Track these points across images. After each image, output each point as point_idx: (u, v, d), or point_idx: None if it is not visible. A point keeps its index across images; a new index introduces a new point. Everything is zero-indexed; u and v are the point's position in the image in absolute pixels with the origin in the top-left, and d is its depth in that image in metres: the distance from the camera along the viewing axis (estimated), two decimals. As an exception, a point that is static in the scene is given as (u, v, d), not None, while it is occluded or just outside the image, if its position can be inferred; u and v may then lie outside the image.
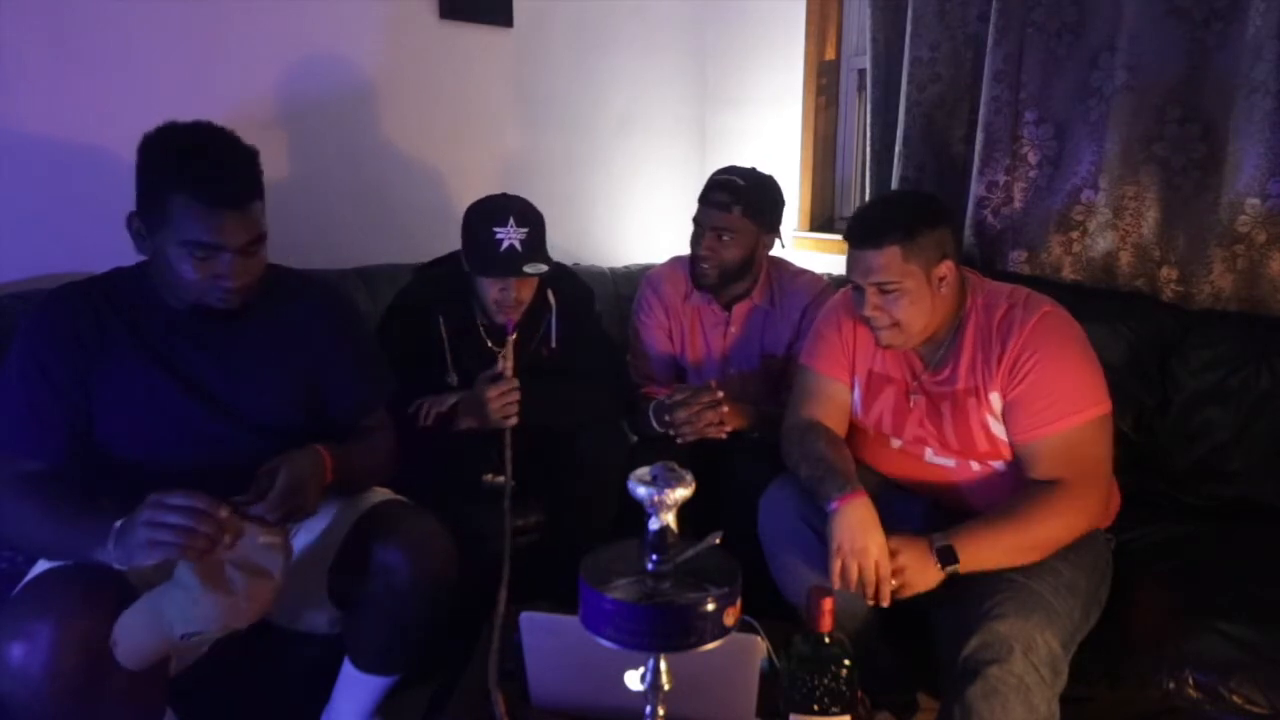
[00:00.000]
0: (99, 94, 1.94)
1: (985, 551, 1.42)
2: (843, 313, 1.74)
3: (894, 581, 1.41)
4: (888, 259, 1.51)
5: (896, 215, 1.54)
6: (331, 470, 1.41)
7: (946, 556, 1.41)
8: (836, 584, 1.43)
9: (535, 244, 1.83)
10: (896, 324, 1.54)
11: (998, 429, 1.55)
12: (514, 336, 1.85)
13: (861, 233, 1.55)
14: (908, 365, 1.65)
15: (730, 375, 2.14)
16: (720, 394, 1.87)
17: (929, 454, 1.64)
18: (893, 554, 1.41)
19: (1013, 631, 1.31)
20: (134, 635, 1.20)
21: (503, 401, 1.79)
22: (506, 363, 1.84)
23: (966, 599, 1.40)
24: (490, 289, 1.86)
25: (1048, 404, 1.48)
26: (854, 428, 1.75)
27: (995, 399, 1.54)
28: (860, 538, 1.44)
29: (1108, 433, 1.52)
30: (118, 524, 1.19)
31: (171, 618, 1.19)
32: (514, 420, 1.80)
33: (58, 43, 1.88)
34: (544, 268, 1.83)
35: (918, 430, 1.64)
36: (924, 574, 1.41)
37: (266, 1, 2.17)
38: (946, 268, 1.54)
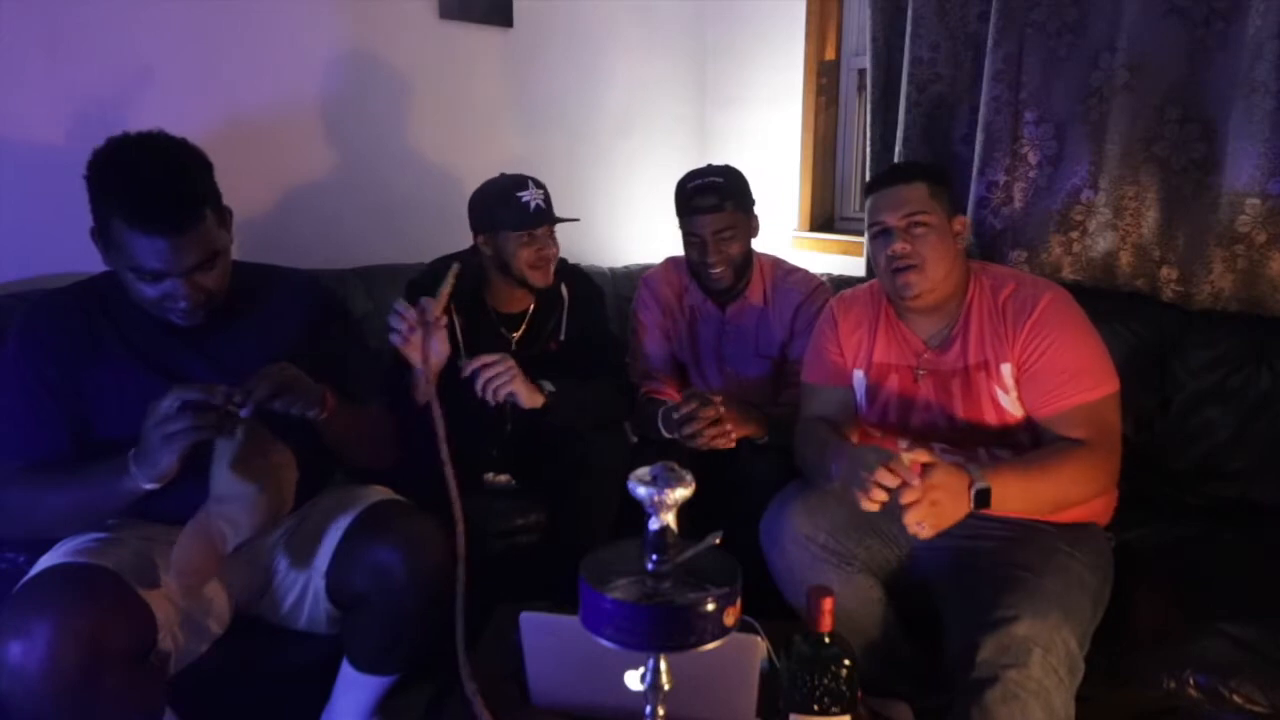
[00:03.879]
0: (98, 94, 1.94)
1: (1014, 499, 1.43)
2: (835, 315, 1.78)
3: (918, 503, 1.34)
4: (917, 192, 1.59)
5: (920, 164, 1.69)
6: (332, 400, 1.41)
7: (982, 499, 1.40)
8: (874, 504, 1.36)
9: (550, 203, 1.99)
10: (923, 264, 1.57)
11: (1006, 402, 1.58)
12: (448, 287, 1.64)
13: (891, 173, 1.67)
14: (910, 348, 1.68)
15: (728, 373, 2.14)
16: (721, 410, 1.83)
17: (937, 451, 1.62)
18: (928, 468, 1.37)
19: (1031, 633, 1.30)
20: (187, 552, 1.26)
21: (490, 378, 1.77)
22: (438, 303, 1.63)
23: (977, 597, 1.39)
24: (525, 252, 1.94)
25: (1068, 378, 1.52)
26: (862, 432, 1.75)
27: (1007, 371, 1.57)
28: (854, 463, 1.40)
29: (1119, 409, 1.57)
30: (131, 451, 1.24)
31: (220, 528, 1.27)
32: (503, 393, 1.79)
33: (58, 43, 1.88)
34: (574, 217, 2.05)
35: (925, 414, 1.65)
36: (955, 506, 1.38)
37: (266, 2, 2.17)
38: (961, 223, 1.64)
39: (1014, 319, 1.57)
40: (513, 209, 1.92)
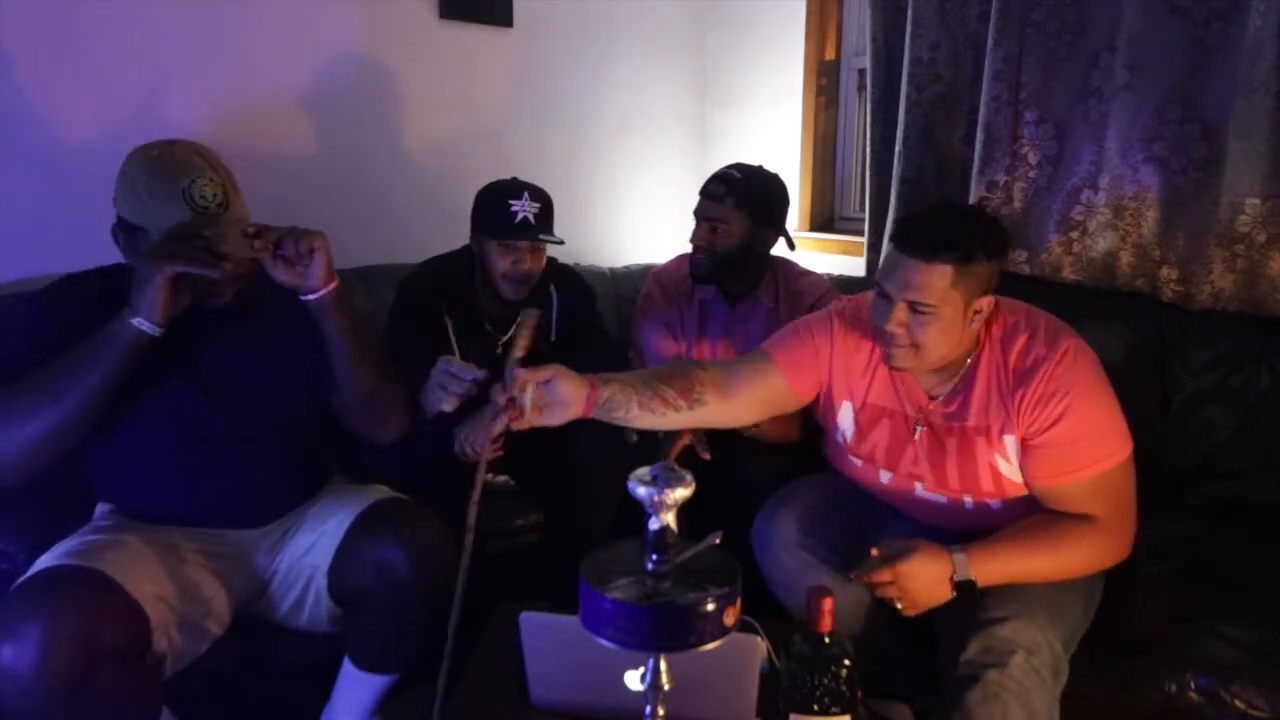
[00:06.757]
0: (99, 95, 1.94)
1: (1005, 577, 1.36)
2: (837, 327, 1.58)
3: (892, 592, 1.36)
4: (935, 279, 1.34)
5: (960, 233, 1.36)
6: (338, 278, 1.43)
7: (965, 591, 1.34)
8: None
9: (547, 219, 1.94)
10: (916, 347, 1.39)
11: (1007, 470, 1.45)
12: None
13: (915, 241, 1.36)
14: (909, 397, 1.52)
15: None
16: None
17: (919, 489, 1.56)
18: (907, 554, 1.34)
19: (1015, 635, 1.30)
20: None
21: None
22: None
23: (966, 600, 1.39)
24: (502, 261, 1.92)
25: (1076, 450, 1.38)
26: (845, 453, 1.64)
27: (1010, 442, 1.43)
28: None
29: (1133, 471, 1.43)
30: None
31: None
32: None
33: (58, 42, 1.88)
34: (557, 239, 1.94)
35: (912, 467, 1.53)
36: (933, 592, 1.35)
37: (266, 2, 2.17)
38: (986, 302, 1.40)
39: (1021, 384, 1.40)
40: (499, 216, 1.90)
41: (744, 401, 1.56)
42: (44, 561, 1.31)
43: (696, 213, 2.06)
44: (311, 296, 1.40)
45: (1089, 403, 1.39)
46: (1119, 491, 1.41)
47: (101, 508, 1.48)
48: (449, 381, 1.55)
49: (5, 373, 1.32)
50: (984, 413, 1.45)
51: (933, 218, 1.41)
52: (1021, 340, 1.43)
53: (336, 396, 1.53)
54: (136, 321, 1.26)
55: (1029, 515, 1.45)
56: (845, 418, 1.59)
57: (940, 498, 1.54)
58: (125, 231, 1.37)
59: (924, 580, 1.35)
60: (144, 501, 1.45)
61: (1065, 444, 1.38)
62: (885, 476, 1.59)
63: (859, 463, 1.62)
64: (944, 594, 1.36)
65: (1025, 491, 1.46)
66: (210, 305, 1.38)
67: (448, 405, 1.56)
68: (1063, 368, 1.39)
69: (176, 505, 1.45)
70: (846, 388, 1.57)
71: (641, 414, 1.46)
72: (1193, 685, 1.41)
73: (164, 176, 1.33)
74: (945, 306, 1.36)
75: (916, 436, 1.51)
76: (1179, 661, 1.43)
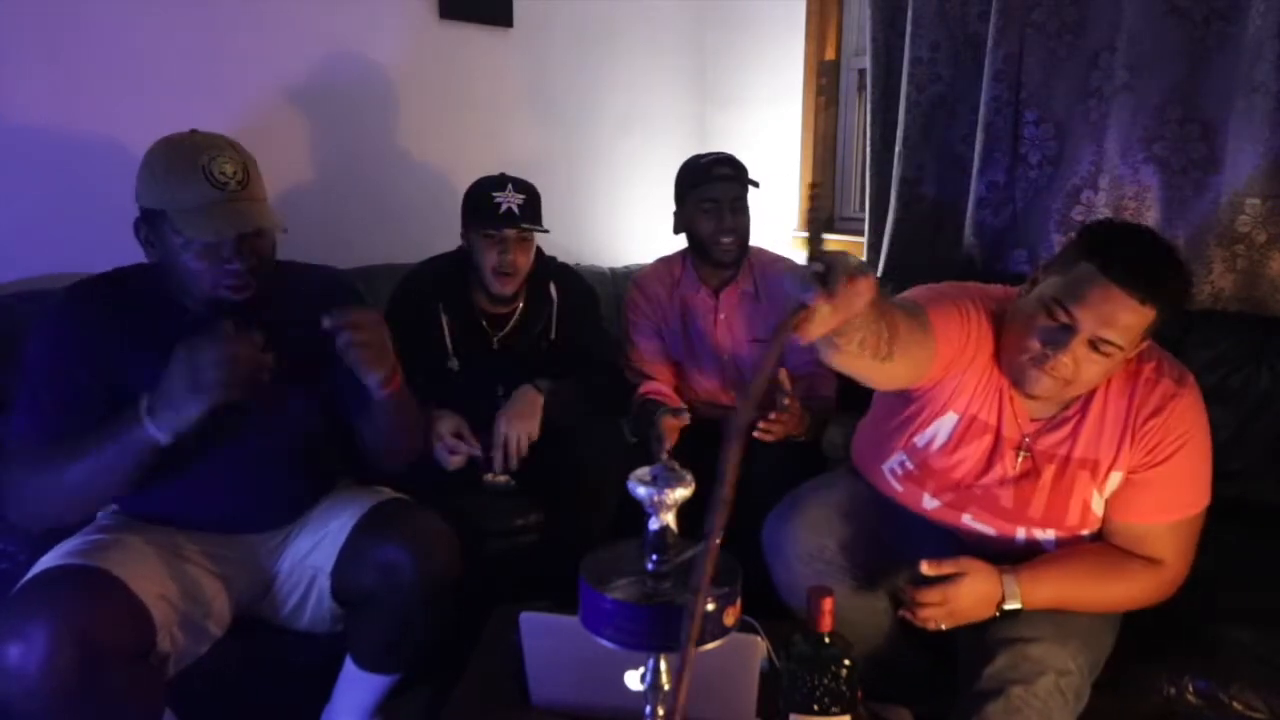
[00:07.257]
0: (100, 94, 1.94)
1: (1052, 604, 1.34)
2: (987, 329, 1.41)
3: (938, 614, 1.33)
4: (1138, 320, 1.26)
5: (1175, 280, 1.27)
6: (399, 377, 1.42)
7: (1009, 614, 1.34)
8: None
9: (532, 210, 1.94)
10: (1074, 381, 1.31)
11: (1098, 505, 1.41)
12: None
13: (1137, 277, 1.24)
14: (1011, 417, 1.42)
15: (725, 361, 2.15)
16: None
17: (966, 519, 1.49)
18: (958, 579, 1.32)
19: (1047, 656, 1.29)
20: None
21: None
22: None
23: (1004, 617, 1.37)
24: (489, 254, 1.92)
25: (1176, 492, 1.37)
26: (904, 468, 1.52)
27: (1115, 478, 1.38)
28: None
29: (1203, 522, 1.41)
30: (144, 399, 1.24)
31: None
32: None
33: (59, 41, 1.88)
34: (541, 228, 1.96)
35: (996, 488, 1.44)
36: (976, 610, 1.34)
37: (266, 2, 2.17)
38: (1145, 345, 1.36)
39: (1142, 419, 1.36)
40: (484, 208, 1.92)
41: (900, 366, 1.28)
42: (47, 561, 1.31)
43: (716, 198, 2.08)
44: (373, 391, 1.41)
45: (1199, 448, 1.37)
46: (1192, 540, 1.40)
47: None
48: (452, 450, 1.84)
49: (33, 379, 1.34)
50: (1095, 444, 1.39)
51: (1156, 255, 1.29)
52: (1148, 370, 1.38)
53: (361, 427, 1.53)
54: (161, 436, 1.25)
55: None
56: (944, 426, 1.46)
57: (988, 529, 1.48)
58: (146, 222, 1.36)
59: (970, 602, 1.34)
60: (151, 504, 1.45)
61: (1165, 484, 1.37)
62: (931, 504, 1.51)
63: (909, 485, 1.52)
64: (986, 614, 1.35)
65: (1097, 528, 1.43)
66: (229, 300, 1.37)
67: (452, 466, 1.85)
68: (1186, 410, 1.37)
69: (184, 509, 1.45)
70: (961, 395, 1.43)
71: (854, 349, 1.14)
72: (1191, 688, 1.40)
73: (183, 154, 1.33)
74: (1129, 351, 1.29)
75: (1018, 463, 1.42)
76: (1177, 664, 1.43)
